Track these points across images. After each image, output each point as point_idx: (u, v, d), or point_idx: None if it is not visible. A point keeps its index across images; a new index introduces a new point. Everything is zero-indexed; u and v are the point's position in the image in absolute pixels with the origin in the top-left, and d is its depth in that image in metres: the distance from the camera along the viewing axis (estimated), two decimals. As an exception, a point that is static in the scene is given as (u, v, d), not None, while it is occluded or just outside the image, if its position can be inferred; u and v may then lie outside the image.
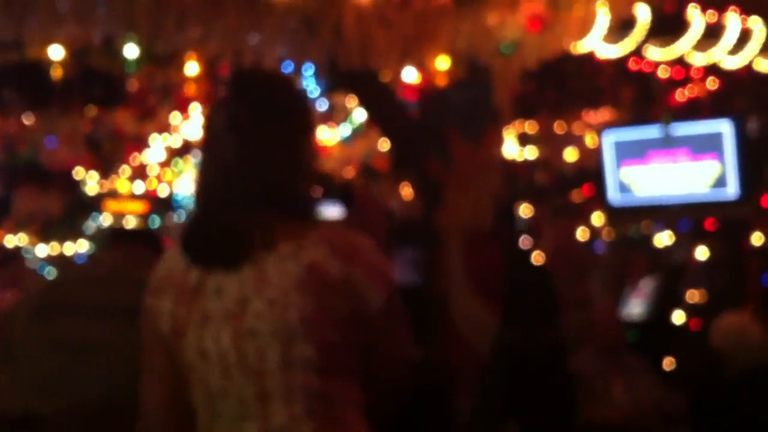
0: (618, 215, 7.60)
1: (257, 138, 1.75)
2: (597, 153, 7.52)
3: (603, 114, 7.70)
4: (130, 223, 8.81)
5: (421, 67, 4.93)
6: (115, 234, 2.85)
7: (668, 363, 5.77)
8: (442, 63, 4.85)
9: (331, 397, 1.73)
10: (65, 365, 2.38)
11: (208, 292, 1.73)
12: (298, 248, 1.71)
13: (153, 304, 1.80)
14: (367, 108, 4.19)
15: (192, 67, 5.07)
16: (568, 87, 7.31)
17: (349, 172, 7.88)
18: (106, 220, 9.29)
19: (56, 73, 4.74)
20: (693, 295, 6.28)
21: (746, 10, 6.15)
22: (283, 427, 1.71)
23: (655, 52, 6.10)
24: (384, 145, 6.08)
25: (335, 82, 5.82)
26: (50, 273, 9.01)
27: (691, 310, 6.21)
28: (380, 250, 1.78)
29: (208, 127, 1.83)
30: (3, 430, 2.43)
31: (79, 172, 8.66)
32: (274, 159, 1.74)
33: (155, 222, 9.13)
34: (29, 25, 4.14)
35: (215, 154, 1.77)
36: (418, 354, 1.86)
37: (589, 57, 6.21)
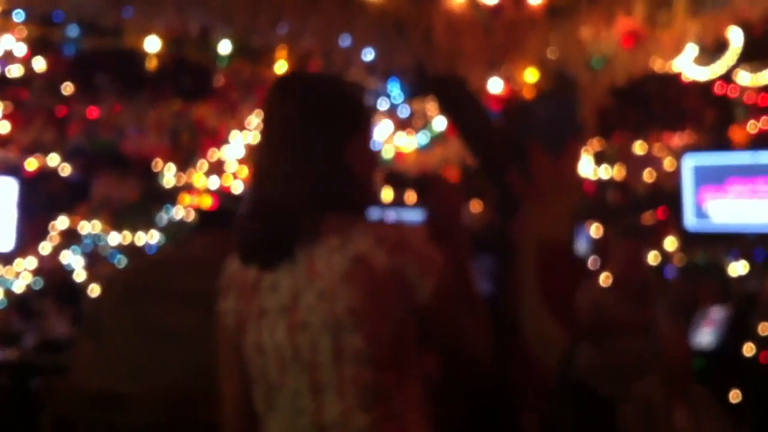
0: (692, 241, 7.49)
1: (309, 140, 1.79)
2: (674, 176, 7.43)
3: (683, 137, 7.59)
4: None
5: (509, 77, 4.92)
6: (204, 218, 2.87)
7: (734, 395, 5.67)
8: (530, 75, 4.84)
9: (385, 390, 1.73)
10: (150, 349, 2.43)
11: (264, 288, 1.79)
12: (345, 241, 1.74)
13: (221, 305, 1.88)
14: (451, 116, 4.18)
15: (281, 65, 5.13)
16: (649, 107, 7.22)
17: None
18: (179, 212, 9.42)
19: (150, 64, 4.83)
20: (765, 328, 6.15)
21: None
22: (336, 419, 1.73)
23: (745, 77, 6.01)
24: (466, 156, 6.05)
25: (419, 88, 5.85)
26: (120, 262, 9.17)
27: (762, 342, 6.09)
28: (431, 241, 1.78)
29: (262, 130, 1.87)
30: (83, 404, 2.46)
31: (157, 163, 8.81)
32: (317, 161, 1.77)
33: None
34: (128, 12, 4.23)
35: (263, 156, 1.83)
36: (489, 348, 1.84)
37: (673, 78, 6.14)
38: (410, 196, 8.77)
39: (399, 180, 8.24)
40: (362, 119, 1.89)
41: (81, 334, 2.84)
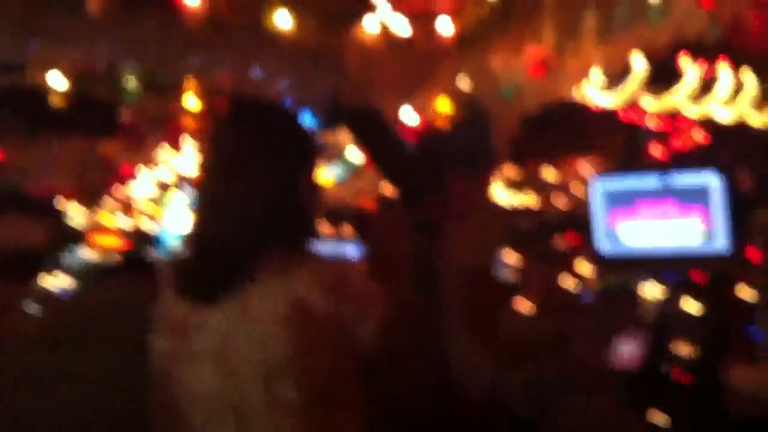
0: (606, 265, 7.61)
1: (248, 172, 1.68)
2: (584, 201, 7.56)
3: (592, 162, 7.74)
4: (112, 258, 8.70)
5: (423, 107, 4.94)
6: (121, 259, 2.81)
7: (656, 415, 5.75)
8: (443, 105, 4.87)
9: None
10: (68, 399, 2.33)
11: (191, 327, 1.67)
12: (284, 281, 1.63)
13: (151, 342, 1.75)
14: (367, 147, 4.17)
15: (190, 99, 5.05)
16: (558, 134, 7.36)
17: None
18: (87, 253, 9.17)
19: (55, 100, 4.69)
20: (679, 348, 6.28)
21: (736, 62, 6.24)
22: None
23: (649, 102, 6.17)
24: (384, 186, 6.04)
25: (333, 119, 5.82)
26: (30, 307, 8.85)
27: (677, 361, 6.21)
28: (371, 280, 1.70)
29: (204, 157, 1.77)
30: None
31: (61, 202, 8.57)
32: (263, 194, 1.67)
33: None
34: (33, 46, 4.11)
35: (208, 186, 1.72)
36: (434, 383, 1.85)
37: (580, 105, 6.26)
38: (347, 229, 8.72)
39: (335, 214, 8.17)
40: (313, 149, 1.80)
41: None
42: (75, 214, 8.85)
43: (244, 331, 1.62)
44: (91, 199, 8.48)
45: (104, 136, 6.90)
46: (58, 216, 8.90)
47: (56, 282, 9.16)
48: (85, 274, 8.79)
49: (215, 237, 1.67)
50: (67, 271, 9.21)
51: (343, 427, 1.65)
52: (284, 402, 1.59)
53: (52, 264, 9.14)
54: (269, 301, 1.62)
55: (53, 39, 4.01)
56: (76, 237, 9.10)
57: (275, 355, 1.59)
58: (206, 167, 1.74)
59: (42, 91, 4.83)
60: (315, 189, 1.79)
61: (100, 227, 8.83)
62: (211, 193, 1.71)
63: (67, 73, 4.53)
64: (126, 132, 6.77)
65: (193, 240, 1.71)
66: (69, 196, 8.55)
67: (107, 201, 8.51)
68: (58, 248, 9.07)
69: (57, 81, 4.55)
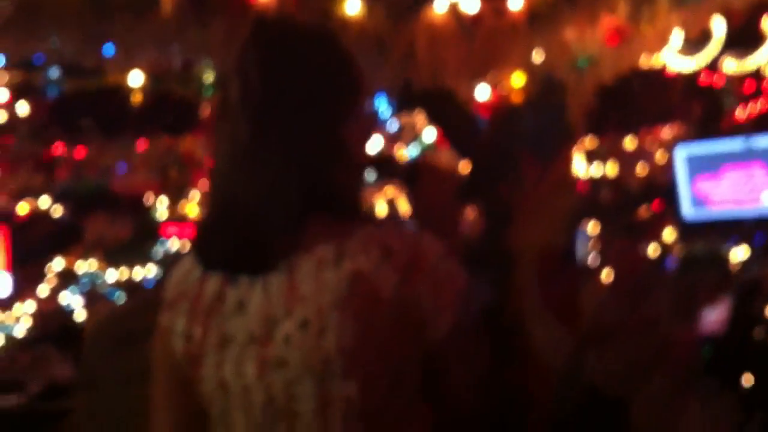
0: (690, 231, 7.48)
1: (279, 113, 1.34)
2: (667, 168, 7.43)
3: (672, 129, 7.59)
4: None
5: (496, 84, 4.91)
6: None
7: (747, 380, 5.65)
8: (517, 80, 4.82)
9: None
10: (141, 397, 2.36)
11: (228, 307, 1.36)
12: (340, 253, 1.30)
13: (165, 323, 1.44)
14: (440, 126, 4.18)
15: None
16: (636, 103, 7.23)
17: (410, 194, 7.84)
18: (173, 244, 9.38)
19: (135, 99, 4.78)
20: (769, 311, 6.14)
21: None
22: None
23: (731, 65, 6.01)
24: (462, 165, 6.03)
25: (407, 102, 5.83)
26: (120, 298, 9.13)
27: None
28: (450, 253, 1.37)
29: (220, 99, 1.41)
30: None
31: (148, 198, 8.78)
32: (302, 141, 1.33)
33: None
34: (109, 50, 4.21)
35: (228, 135, 1.36)
36: (494, 384, 1.53)
37: (658, 72, 6.14)
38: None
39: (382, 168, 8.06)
40: (359, 89, 1.42)
41: (77, 385, 2.77)
42: (162, 208, 9.04)
43: (292, 314, 1.31)
44: (176, 193, 8.65)
45: (186, 132, 7.02)
46: (145, 211, 9.11)
47: (146, 273, 9.43)
48: (172, 264, 9.00)
49: (247, 197, 1.34)
50: (156, 262, 9.47)
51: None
52: (342, 403, 1.30)
53: (141, 256, 9.40)
54: (322, 275, 1.30)
55: (127, 42, 4.09)
56: (164, 230, 9.32)
57: (331, 346, 1.28)
58: (231, 106, 1.36)
59: (122, 92, 4.95)
60: (364, 138, 1.47)
61: (186, 219, 9.01)
62: (236, 140, 1.35)
63: (144, 73, 4.62)
64: (206, 127, 6.87)
65: (221, 203, 1.39)
66: (155, 193, 8.73)
67: (193, 194, 8.67)
68: (145, 241, 9.30)
69: (135, 81, 4.65)
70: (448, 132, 3.56)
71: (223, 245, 1.36)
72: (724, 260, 7.34)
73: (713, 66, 6.11)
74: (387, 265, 1.28)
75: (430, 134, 6.82)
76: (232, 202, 1.36)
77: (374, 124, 1.64)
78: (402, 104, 6.12)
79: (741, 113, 7.00)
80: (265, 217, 1.33)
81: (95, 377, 2.46)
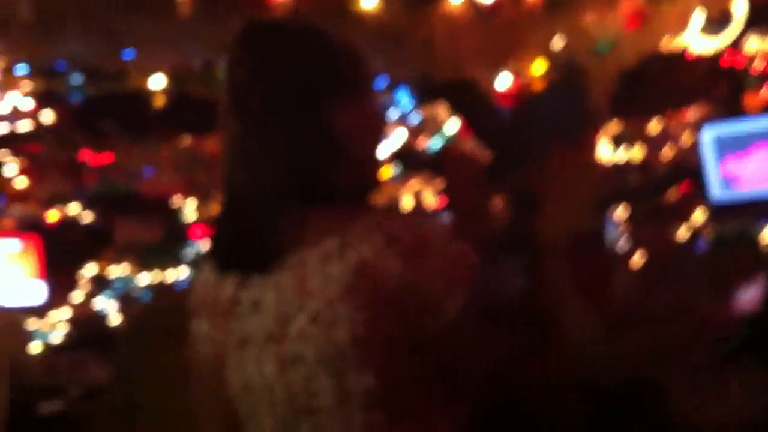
0: (720, 212, 7.41)
1: (267, 111, 1.36)
2: (693, 150, 7.36)
3: (697, 111, 7.51)
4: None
5: (517, 72, 4.89)
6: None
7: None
8: (538, 67, 4.80)
9: None
10: (173, 394, 2.38)
11: (244, 308, 1.39)
12: (344, 244, 1.31)
13: (194, 330, 1.49)
14: (463, 117, 4.16)
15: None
16: (657, 85, 7.17)
17: (438, 185, 7.82)
18: (203, 246, 9.42)
19: (157, 102, 4.81)
20: (804, 289, 6.07)
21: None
22: None
23: (754, 43, 5.94)
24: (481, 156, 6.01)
25: (428, 94, 5.82)
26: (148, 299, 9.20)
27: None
28: (457, 236, 1.36)
29: (221, 101, 1.44)
30: None
31: (176, 200, 8.83)
32: (291, 136, 1.35)
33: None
34: (129, 54, 4.24)
35: (226, 135, 1.42)
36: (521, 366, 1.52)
37: (678, 55, 6.09)
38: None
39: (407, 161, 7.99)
40: (353, 75, 1.43)
41: (113, 382, 2.82)
42: (190, 210, 9.08)
43: (303, 308, 1.32)
44: (204, 194, 8.69)
45: (209, 132, 7.05)
46: (173, 213, 9.16)
47: (177, 275, 9.49)
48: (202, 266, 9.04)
49: (246, 195, 1.37)
50: (186, 264, 9.52)
51: (435, 428, 1.36)
52: (361, 394, 1.30)
53: (172, 258, 9.45)
54: (327, 267, 1.31)
55: (147, 43, 4.12)
56: (192, 232, 9.36)
57: (343, 338, 1.29)
58: (223, 110, 1.42)
59: (144, 95, 4.98)
60: (369, 125, 1.46)
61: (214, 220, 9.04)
62: (232, 139, 1.40)
63: (165, 74, 4.65)
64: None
65: (226, 203, 1.42)
66: (183, 194, 8.77)
67: (219, 195, 8.70)
68: (175, 243, 9.36)
69: (157, 83, 4.67)
70: (470, 122, 3.54)
71: (231, 245, 1.40)
72: (756, 240, 7.27)
73: (736, 45, 6.04)
74: (391, 252, 1.28)
75: (452, 125, 6.81)
76: (234, 201, 1.40)
77: (379, 116, 1.58)
78: (423, 96, 6.10)
79: (766, 92, 6.93)
80: (262, 214, 1.36)
81: (130, 373, 2.49)
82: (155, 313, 2.83)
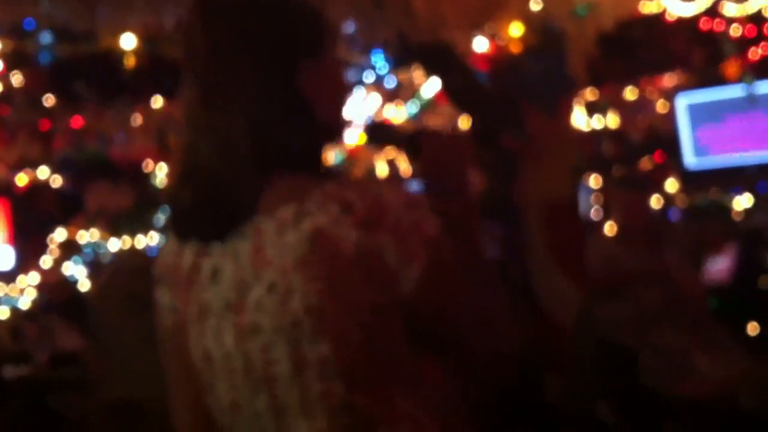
0: (693, 181, 7.44)
1: (226, 74, 1.32)
2: (669, 118, 7.37)
3: (673, 78, 7.51)
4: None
5: (494, 35, 4.85)
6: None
7: (753, 328, 5.64)
8: (515, 29, 4.76)
9: (369, 414, 1.31)
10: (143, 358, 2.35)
11: (203, 277, 1.38)
12: (300, 212, 1.29)
13: (157, 300, 1.48)
14: (440, 81, 4.13)
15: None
16: (636, 52, 7.14)
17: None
18: (174, 212, 9.35)
19: (129, 62, 4.72)
20: (774, 258, 6.13)
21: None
22: None
23: (731, 8, 5.93)
24: (458, 122, 5.99)
25: (404, 57, 5.76)
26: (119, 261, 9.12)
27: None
28: (420, 204, 1.33)
29: (183, 72, 1.39)
30: (102, 416, 2.41)
31: (148, 165, 8.73)
32: (251, 99, 1.31)
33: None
34: (101, 13, 4.15)
35: (189, 104, 1.36)
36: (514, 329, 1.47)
37: (658, 19, 6.06)
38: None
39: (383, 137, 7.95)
40: (319, 36, 1.38)
41: (91, 347, 2.81)
42: (161, 175, 8.99)
43: (260, 278, 1.31)
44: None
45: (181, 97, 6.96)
46: (145, 178, 9.07)
47: (148, 241, 9.42)
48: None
49: (206, 162, 1.33)
50: (159, 230, 9.45)
51: (398, 402, 1.32)
52: (316, 363, 1.29)
53: (143, 224, 9.38)
54: (284, 236, 1.29)
55: (118, 2, 4.03)
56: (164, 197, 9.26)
57: (297, 307, 1.28)
58: (185, 76, 1.37)
59: (116, 57, 4.89)
60: (335, 87, 1.43)
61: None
62: (190, 105, 1.35)
63: (137, 35, 4.56)
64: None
65: (183, 170, 1.37)
66: (155, 160, 8.67)
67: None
68: (146, 209, 9.28)
69: (128, 43, 4.58)
70: (447, 86, 3.51)
71: (190, 213, 1.36)
72: (728, 209, 7.31)
73: (713, 11, 6.03)
74: (347, 221, 1.26)
75: (428, 90, 6.76)
76: (193, 168, 1.35)
77: (344, 78, 1.54)
78: (399, 60, 6.05)
79: (742, 59, 6.93)
80: (221, 180, 1.32)
81: (103, 339, 2.47)
82: (124, 275, 2.78)
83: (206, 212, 1.34)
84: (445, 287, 1.31)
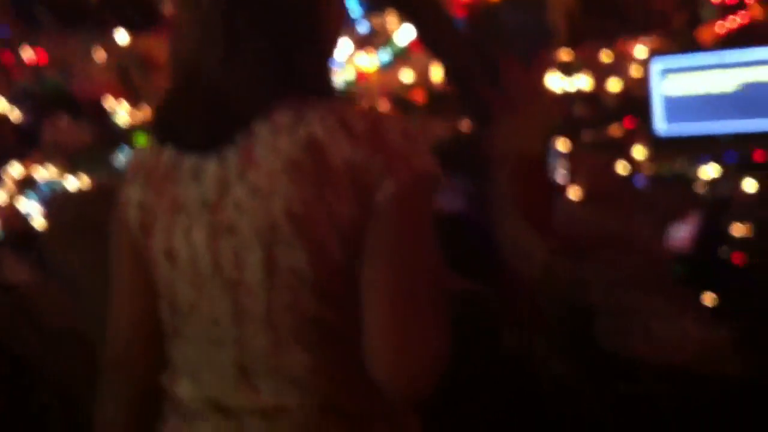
0: (662, 147, 7.43)
1: None
2: (643, 82, 7.32)
3: (650, 42, 7.44)
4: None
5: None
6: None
7: (710, 299, 5.66)
8: (495, -23, 4.65)
9: (336, 330, 1.31)
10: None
11: (183, 174, 1.38)
12: (297, 119, 1.31)
13: (123, 195, 1.46)
14: (415, 27, 4.01)
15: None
16: (616, 12, 7.08)
17: (383, 104, 7.67)
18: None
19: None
20: (739, 230, 6.15)
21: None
22: (264, 356, 1.30)
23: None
24: (432, 73, 5.86)
25: (377, 1, 5.62)
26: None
27: (736, 244, 6.10)
28: (419, 139, 1.33)
29: None
30: (46, 343, 2.38)
31: (109, 101, 8.52)
32: (277, 23, 1.33)
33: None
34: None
35: (198, 22, 1.37)
36: (455, 283, 1.55)
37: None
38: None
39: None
40: None
41: (38, 273, 2.76)
42: (123, 113, 8.80)
43: (245, 179, 1.31)
44: (136, 96, 8.40)
45: (145, 30, 6.77)
46: (106, 115, 8.89)
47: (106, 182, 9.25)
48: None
49: (216, 76, 1.33)
50: (117, 169, 9.28)
51: (371, 321, 1.27)
52: (288, 272, 1.28)
53: (102, 163, 9.20)
54: (277, 140, 1.30)
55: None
56: (126, 137, 9.11)
57: (278, 211, 1.28)
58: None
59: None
60: (339, 21, 1.45)
61: (146, 125, 8.78)
62: (207, 25, 1.34)
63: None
64: (168, 26, 6.62)
65: (178, 78, 1.38)
66: (116, 96, 8.47)
67: (152, 97, 8.42)
68: (106, 147, 9.10)
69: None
70: (422, 33, 3.41)
71: (184, 118, 1.36)
72: (695, 178, 7.32)
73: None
74: (342, 134, 1.28)
75: (402, 38, 6.61)
76: (201, 86, 1.34)
77: (346, 8, 1.58)
78: (372, 4, 5.92)
79: (720, 27, 6.89)
80: (233, 96, 1.31)
81: (58, 266, 2.40)
82: (74, 202, 2.71)
83: (205, 118, 1.34)
84: (414, 217, 1.30)
